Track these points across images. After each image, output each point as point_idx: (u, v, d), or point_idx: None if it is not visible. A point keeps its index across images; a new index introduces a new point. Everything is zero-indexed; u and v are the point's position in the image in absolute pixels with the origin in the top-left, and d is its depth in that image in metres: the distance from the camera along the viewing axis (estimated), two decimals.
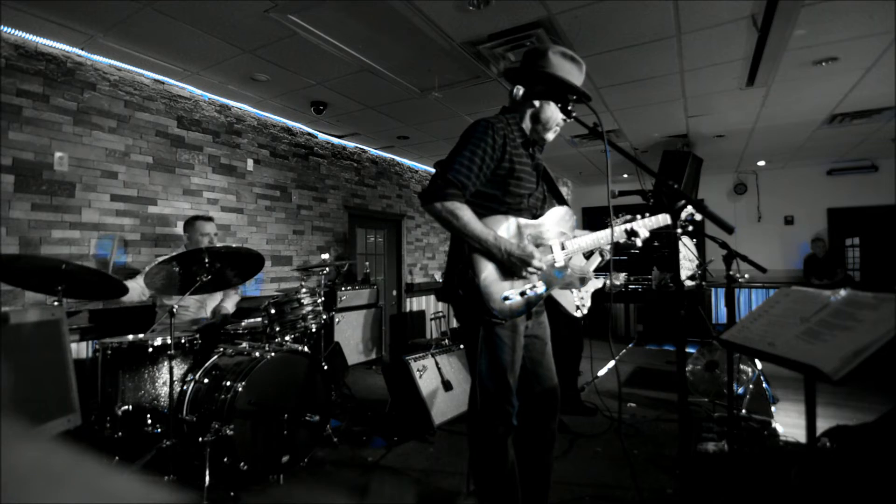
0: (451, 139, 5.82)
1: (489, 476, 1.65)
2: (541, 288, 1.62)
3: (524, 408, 1.70)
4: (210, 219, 3.20)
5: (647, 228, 1.87)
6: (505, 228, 1.61)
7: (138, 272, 3.12)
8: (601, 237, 1.79)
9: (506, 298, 1.56)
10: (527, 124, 1.72)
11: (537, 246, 1.63)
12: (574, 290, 3.09)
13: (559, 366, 2.88)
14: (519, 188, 1.65)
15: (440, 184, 1.55)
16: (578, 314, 3.11)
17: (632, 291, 6.20)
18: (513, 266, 1.56)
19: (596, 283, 3.24)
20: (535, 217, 1.71)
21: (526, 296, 1.59)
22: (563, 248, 1.71)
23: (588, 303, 3.20)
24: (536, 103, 1.68)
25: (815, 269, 6.47)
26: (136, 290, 2.89)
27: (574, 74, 1.66)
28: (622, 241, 1.87)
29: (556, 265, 1.69)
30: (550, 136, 1.73)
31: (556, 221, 1.73)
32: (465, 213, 1.54)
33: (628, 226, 1.87)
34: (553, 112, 1.68)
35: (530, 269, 1.56)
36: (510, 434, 1.64)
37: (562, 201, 1.84)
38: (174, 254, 2.33)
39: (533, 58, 1.67)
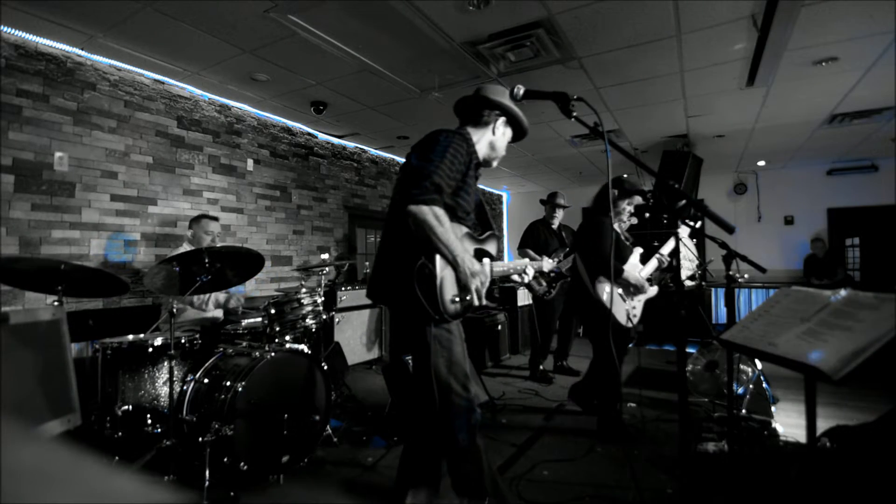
0: None
1: (476, 470, 1.74)
2: (475, 300, 1.73)
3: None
4: (216, 219, 3.29)
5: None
6: (462, 236, 1.75)
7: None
8: (517, 265, 2.02)
9: (454, 301, 1.67)
10: (482, 147, 1.87)
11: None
12: (627, 299, 3.00)
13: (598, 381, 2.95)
14: (467, 204, 1.78)
15: (429, 186, 1.58)
16: (630, 324, 2.99)
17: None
18: (466, 280, 1.66)
19: (651, 292, 3.10)
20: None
21: (466, 302, 1.71)
22: (490, 272, 1.84)
23: (640, 312, 3.07)
24: (496, 133, 1.88)
25: (815, 269, 6.47)
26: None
27: (524, 120, 1.94)
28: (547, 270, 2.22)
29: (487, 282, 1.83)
30: (495, 164, 1.94)
31: (491, 242, 1.93)
32: (447, 221, 1.61)
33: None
34: (506, 142, 1.94)
35: (476, 288, 1.67)
36: (476, 432, 1.74)
37: (489, 226, 1.98)
38: (174, 254, 2.33)
39: (495, 92, 1.87)
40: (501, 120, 1.89)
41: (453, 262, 1.64)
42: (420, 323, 1.69)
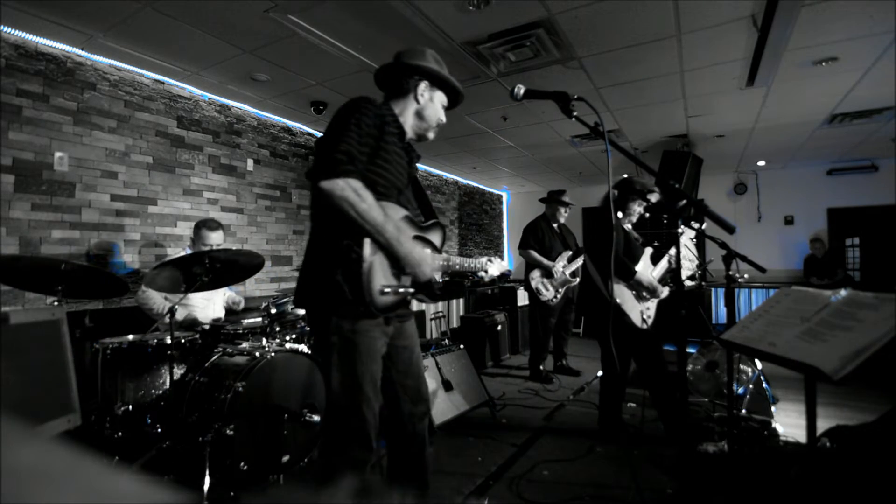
0: (452, 139, 5.81)
1: None
2: (409, 290, 1.54)
3: (390, 430, 1.60)
4: (217, 226, 3.10)
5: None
6: (398, 218, 1.51)
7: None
8: (468, 262, 1.79)
9: (383, 292, 1.44)
10: (408, 119, 1.67)
11: None
12: (642, 301, 2.97)
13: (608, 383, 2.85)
14: (392, 176, 1.54)
15: (339, 156, 1.36)
16: (644, 326, 2.96)
17: None
18: (404, 264, 1.46)
19: (664, 293, 3.06)
20: None
21: (398, 294, 1.50)
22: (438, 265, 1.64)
23: (653, 313, 3.04)
24: (421, 99, 1.65)
25: (814, 270, 6.47)
26: (157, 298, 2.90)
27: (452, 78, 1.70)
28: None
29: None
30: (431, 135, 1.73)
31: (434, 232, 1.70)
32: (369, 197, 1.39)
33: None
34: (438, 108, 1.70)
35: (423, 276, 1.48)
36: (370, 462, 1.47)
37: (432, 215, 1.77)
38: (174, 257, 2.33)
39: (411, 56, 1.67)
40: (423, 84, 1.65)
41: (387, 245, 1.42)
42: (327, 317, 1.45)
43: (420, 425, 1.67)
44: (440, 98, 1.72)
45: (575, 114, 1.62)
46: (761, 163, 6.88)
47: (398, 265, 1.50)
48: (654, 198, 3.01)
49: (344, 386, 1.44)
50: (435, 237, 1.71)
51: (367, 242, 1.41)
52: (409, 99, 1.66)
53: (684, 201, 3.09)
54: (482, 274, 1.86)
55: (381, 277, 1.45)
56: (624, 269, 2.88)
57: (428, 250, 1.58)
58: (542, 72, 3.59)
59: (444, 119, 1.74)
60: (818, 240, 6.59)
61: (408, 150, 1.66)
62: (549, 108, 4.41)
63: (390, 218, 1.45)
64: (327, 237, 1.46)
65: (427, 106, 1.67)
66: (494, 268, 1.87)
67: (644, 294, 2.97)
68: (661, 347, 3.02)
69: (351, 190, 1.36)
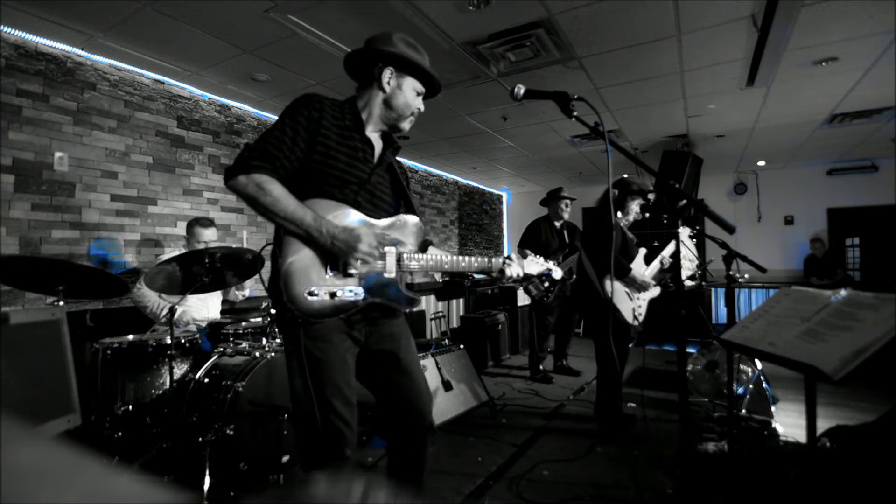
0: (452, 139, 5.81)
1: None
2: (358, 294, 1.39)
3: (389, 429, 1.55)
4: (210, 224, 3.12)
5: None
6: (342, 217, 1.40)
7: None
8: (445, 261, 1.57)
9: (311, 294, 1.32)
10: (375, 109, 1.54)
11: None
12: (632, 297, 3.05)
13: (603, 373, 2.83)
14: (344, 174, 1.43)
15: (245, 155, 1.34)
16: (635, 323, 3.05)
17: None
18: (337, 251, 1.33)
19: (654, 292, 3.17)
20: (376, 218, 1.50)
21: (336, 298, 1.35)
22: (399, 261, 1.48)
23: (644, 311, 3.13)
24: (387, 87, 1.52)
25: (814, 270, 6.47)
26: (152, 297, 2.89)
27: (420, 60, 1.55)
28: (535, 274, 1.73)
29: (386, 275, 1.46)
30: (406, 125, 1.60)
31: (399, 228, 1.52)
32: (276, 189, 1.31)
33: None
34: (409, 95, 1.55)
35: (357, 255, 1.33)
36: (342, 468, 1.39)
37: (411, 210, 1.63)
38: (173, 255, 2.33)
39: (376, 41, 1.53)
40: (388, 71, 1.51)
41: (304, 236, 1.32)
42: (285, 321, 1.40)
43: (420, 426, 1.60)
44: (411, 84, 1.56)
45: (575, 114, 1.62)
46: (761, 163, 6.89)
47: (334, 259, 1.37)
48: (650, 197, 3.10)
49: (304, 393, 1.36)
50: (400, 232, 1.52)
51: (286, 240, 1.33)
52: (374, 87, 1.53)
53: (684, 201, 3.11)
54: (496, 274, 1.68)
55: (308, 277, 1.33)
56: (619, 266, 2.96)
57: (365, 231, 1.37)
58: (542, 72, 3.59)
59: (419, 107, 1.60)
60: (818, 240, 6.60)
61: (367, 141, 1.53)
62: (549, 108, 4.40)
63: (307, 208, 1.33)
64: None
65: (395, 94, 1.53)
66: (513, 269, 1.66)
67: (636, 290, 3.06)
68: (629, 347, 3.17)
69: (253, 185, 1.30)
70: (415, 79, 1.57)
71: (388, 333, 1.55)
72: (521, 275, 1.68)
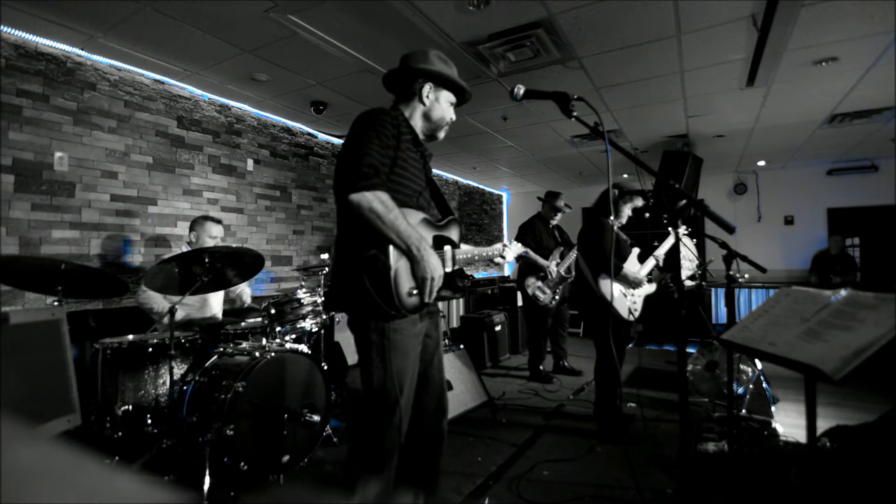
0: (452, 139, 5.80)
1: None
2: (426, 296, 1.60)
3: (411, 426, 1.63)
4: (219, 221, 3.17)
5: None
6: (413, 218, 1.58)
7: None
8: (486, 252, 1.85)
9: (410, 294, 1.51)
10: (416, 121, 1.73)
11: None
12: (627, 294, 3.12)
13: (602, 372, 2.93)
14: (411, 182, 1.63)
15: (366, 170, 1.44)
16: (631, 318, 3.11)
17: None
18: (424, 272, 1.51)
19: (649, 288, 3.23)
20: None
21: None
22: (453, 259, 1.71)
23: (640, 307, 3.20)
24: (427, 101, 1.71)
25: (825, 266, 6.28)
26: (157, 297, 2.89)
27: (454, 75, 1.75)
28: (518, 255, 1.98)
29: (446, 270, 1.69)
30: (441, 134, 1.78)
31: (453, 230, 1.77)
32: (395, 206, 1.47)
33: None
34: (445, 108, 1.75)
35: (429, 283, 1.51)
36: (395, 457, 1.54)
37: (448, 212, 1.81)
38: (174, 254, 2.33)
39: (415, 59, 1.72)
40: (428, 86, 1.71)
41: (408, 252, 1.49)
42: (366, 319, 1.54)
43: (442, 421, 1.74)
44: (446, 97, 1.76)
45: (575, 114, 1.62)
46: (761, 163, 6.88)
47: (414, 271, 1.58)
48: (638, 202, 3.19)
49: (384, 382, 1.51)
50: (452, 233, 1.77)
51: (391, 250, 1.48)
52: (416, 101, 1.72)
53: (684, 201, 3.13)
54: (499, 260, 1.91)
55: (407, 280, 1.52)
56: (609, 266, 3.02)
57: (447, 248, 1.67)
58: (542, 72, 3.59)
59: (452, 117, 1.79)
60: (837, 236, 6.39)
61: (422, 152, 1.73)
62: (549, 108, 4.41)
63: (412, 225, 1.52)
64: (355, 246, 1.52)
65: (433, 107, 1.73)
66: (511, 252, 1.92)
67: (629, 287, 3.15)
68: (627, 346, 3.21)
69: (379, 202, 1.43)
70: (449, 91, 1.77)
71: (437, 326, 1.78)
72: (523, 252, 1.99)
